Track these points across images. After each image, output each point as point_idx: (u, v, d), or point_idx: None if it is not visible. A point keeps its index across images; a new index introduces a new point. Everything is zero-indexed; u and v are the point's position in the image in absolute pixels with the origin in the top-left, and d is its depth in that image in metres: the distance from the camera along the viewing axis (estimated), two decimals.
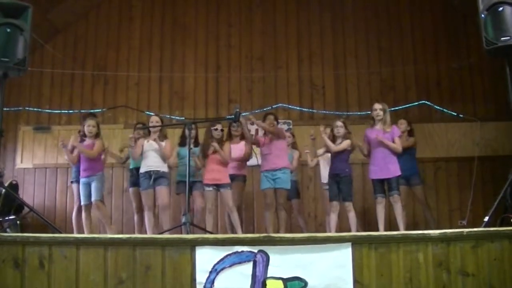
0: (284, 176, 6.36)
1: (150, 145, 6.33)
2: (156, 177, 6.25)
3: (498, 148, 8.26)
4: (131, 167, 6.94)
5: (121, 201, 8.38)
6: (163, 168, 6.34)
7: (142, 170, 6.35)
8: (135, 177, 6.68)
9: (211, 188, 6.24)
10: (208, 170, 6.30)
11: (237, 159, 6.64)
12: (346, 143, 6.22)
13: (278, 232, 6.28)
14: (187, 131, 5.91)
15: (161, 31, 9.10)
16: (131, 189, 6.91)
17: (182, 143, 6.59)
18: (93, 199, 6.22)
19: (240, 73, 8.87)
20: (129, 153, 6.87)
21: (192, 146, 6.05)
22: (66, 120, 8.83)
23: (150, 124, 6.48)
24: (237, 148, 6.65)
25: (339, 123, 6.33)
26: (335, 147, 6.20)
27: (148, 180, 6.26)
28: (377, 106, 6.21)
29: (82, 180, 6.30)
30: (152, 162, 6.30)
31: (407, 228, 6.17)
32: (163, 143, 6.34)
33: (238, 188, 6.62)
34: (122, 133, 8.36)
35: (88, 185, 6.25)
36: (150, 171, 6.27)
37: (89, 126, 6.33)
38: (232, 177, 6.46)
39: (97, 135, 6.39)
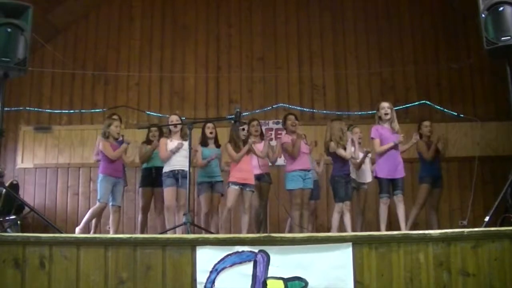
0: (312, 176, 6.49)
1: (173, 144, 6.23)
2: (181, 176, 6.14)
3: (499, 148, 8.27)
4: (146, 166, 6.83)
5: (121, 202, 8.35)
6: (187, 168, 6.25)
7: (166, 169, 6.22)
8: (153, 177, 6.63)
9: (237, 187, 6.20)
10: (237, 169, 6.25)
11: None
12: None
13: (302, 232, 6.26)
14: (209, 130, 6.12)
15: (161, 32, 9.11)
16: (142, 189, 6.85)
17: (204, 143, 6.53)
18: (118, 203, 6.38)
19: (240, 73, 8.88)
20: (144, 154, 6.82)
21: (214, 146, 6.21)
22: (66, 120, 8.84)
23: (170, 123, 6.39)
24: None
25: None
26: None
27: (172, 179, 6.16)
28: (385, 104, 6.21)
29: (112, 180, 6.32)
30: (176, 161, 6.17)
31: (414, 228, 6.19)
32: (187, 142, 6.28)
33: (266, 187, 6.69)
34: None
35: (117, 186, 6.36)
36: (175, 170, 6.17)
37: (117, 127, 6.40)
38: (260, 177, 6.50)
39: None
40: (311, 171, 6.50)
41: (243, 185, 6.20)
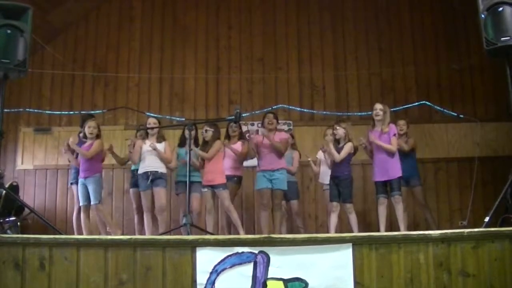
0: (282, 176, 6.38)
1: (148, 146, 6.39)
2: (154, 178, 6.33)
3: (498, 149, 8.26)
4: (132, 168, 6.96)
5: (121, 202, 8.38)
6: (161, 169, 6.42)
7: (140, 171, 6.43)
8: (136, 178, 6.70)
9: (207, 189, 6.28)
10: (205, 171, 6.34)
11: (234, 158, 6.66)
12: (347, 148, 6.20)
13: (273, 232, 6.26)
14: (187, 132, 5.95)
15: (161, 32, 9.10)
16: (131, 190, 6.94)
17: (181, 144, 6.64)
18: (92, 202, 6.23)
19: (240, 74, 8.87)
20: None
21: (192, 146, 6.11)
22: (66, 121, 8.83)
23: (148, 126, 6.52)
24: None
25: (339, 127, 6.32)
26: (339, 157, 6.15)
27: (146, 181, 6.34)
28: (378, 106, 6.21)
29: (79, 180, 6.33)
30: (150, 163, 6.38)
31: (407, 229, 6.17)
32: (162, 144, 6.43)
33: (231, 189, 6.58)
34: (122, 134, 8.38)
35: (85, 186, 6.26)
36: (148, 171, 6.35)
37: (89, 127, 6.34)
38: (227, 178, 6.45)
39: (97, 136, 6.40)
40: (280, 171, 6.37)
41: (212, 187, 6.24)
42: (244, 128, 6.89)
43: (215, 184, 6.23)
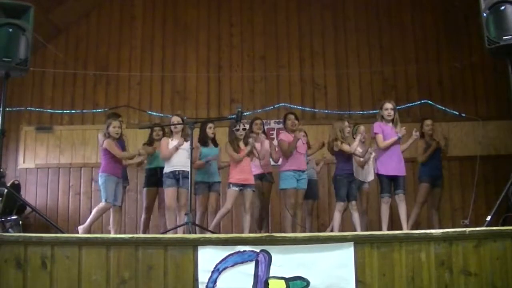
0: (306, 176, 6.49)
1: (174, 144, 6.23)
2: (182, 177, 6.13)
3: (500, 147, 8.26)
4: (151, 166, 6.86)
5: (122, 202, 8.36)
6: (188, 168, 6.26)
7: (167, 170, 6.22)
8: (155, 177, 6.65)
9: (237, 188, 6.18)
10: (239, 170, 6.21)
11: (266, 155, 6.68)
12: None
13: (296, 232, 6.25)
14: (209, 130, 6.12)
15: (162, 31, 9.10)
16: (146, 189, 6.88)
17: (203, 143, 6.53)
18: (119, 203, 6.35)
19: (242, 72, 8.87)
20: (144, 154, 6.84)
21: (212, 145, 6.23)
22: (68, 120, 8.85)
23: (172, 124, 6.35)
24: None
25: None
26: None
27: (173, 180, 6.16)
28: (388, 105, 6.18)
29: (115, 179, 6.28)
30: (177, 161, 6.17)
31: (413, 227, 6.18)
32: (188, 143, 6.30)
33: (266, 186, 6.68)
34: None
35: (119, 187, 6.32)
36: (176, 170, 6.16)
37: (115, 127, 6.28)
38: (261, 176, 6.51)
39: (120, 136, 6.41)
40: (306, 171, 6.50)
41: (243, 186, 6.19)
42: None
43: (249, 183, 6.21)
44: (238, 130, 6.25)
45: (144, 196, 6.95)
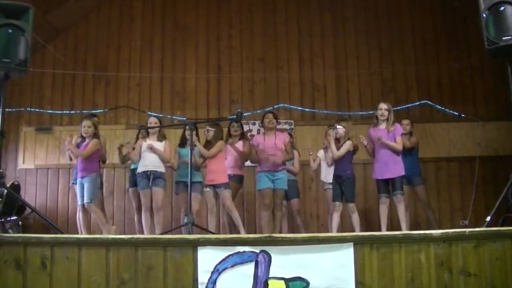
0: (283, 176, 6.46)
1: (146, 145, 6.42)
2: (153, 177, 6.34)
3: (499, 148, 8.27)
4: (132, 167, 6.96)
5: (123, 202, 8.38)
6: (161, 168, 6.43)
7: (139, 170, 6.44)
8: (136, 177, 6.69)
9: (209, 189, 6.30)
10: (207, 171, 6.37)
11: (235, 157, 6.67)
12: (347, 145, 6.18)
13: (273, 232, 6.26)
14: (188, 132, 5.93)
15: (162, 32, 9.10)
16: (131, 189, 6.94)
17: (182, 144, 6.64)
18: (84, 201, 6.18)
19: (241, 73, 8.88)
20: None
21: (197, 143, 6.17)
22: (67, 120, 8.84)
23: (149, 125, 6.54)
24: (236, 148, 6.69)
25: (339, 126, 6.30)
26: (336, 153, 6.15)
27: (146, 180, 6.35)
28: (383, 106, 6.18)
29: (77, 180, 6.33)
30: (149, 162, 6.39)
31: (409, 229, 6.17)
32: (162, 143, 6.47)
33: (233, 188, 6.58)
34: (123, 134, 8.38)
35: (82, 185, 6.24)
36: (148, 171, 6.37)
37: (84, 126, 6.33)
38: (229, 177, 6.45)
39: (94, 135, 6.35)
40: (282, 171, 6.46)
41: (214, 186, 6.25)
42: (246, 128, 6.88)
43: (217, 183, 6.24)
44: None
45: (131, 197, 7.01)
